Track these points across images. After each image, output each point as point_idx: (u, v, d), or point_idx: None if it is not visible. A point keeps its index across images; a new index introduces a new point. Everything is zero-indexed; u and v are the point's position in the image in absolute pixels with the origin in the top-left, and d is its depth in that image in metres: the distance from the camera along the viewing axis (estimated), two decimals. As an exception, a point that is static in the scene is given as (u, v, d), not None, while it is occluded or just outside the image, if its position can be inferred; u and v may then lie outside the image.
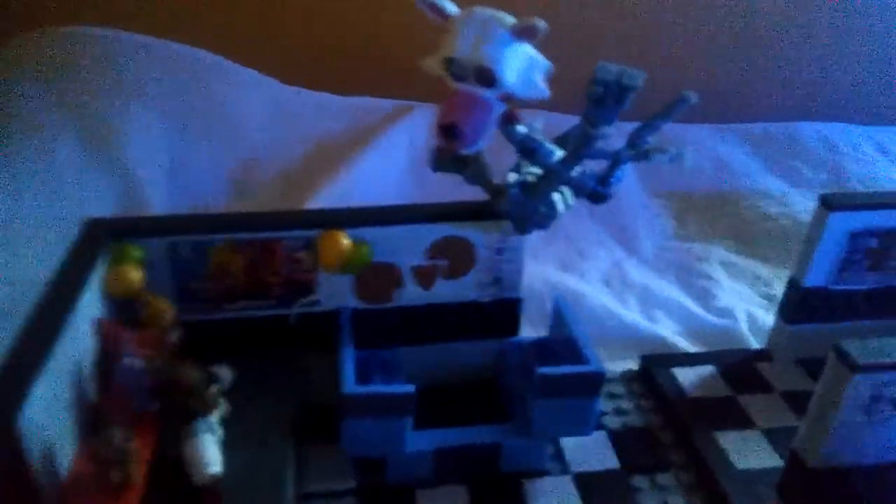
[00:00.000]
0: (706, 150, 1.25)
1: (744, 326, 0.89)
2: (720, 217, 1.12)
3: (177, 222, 0.63)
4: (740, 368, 0.78)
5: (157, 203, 0.91)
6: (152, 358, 0.53)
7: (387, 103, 1.23)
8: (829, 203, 0.71)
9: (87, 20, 1.08)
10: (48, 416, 0.45)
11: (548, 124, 0.56)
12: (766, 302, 0.94)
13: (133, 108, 0.97)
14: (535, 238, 1.01)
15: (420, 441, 0.61)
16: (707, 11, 1.37)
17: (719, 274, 0.99)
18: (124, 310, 0.58)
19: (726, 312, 0.91)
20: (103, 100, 0.95)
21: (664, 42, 1.39)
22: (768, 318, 0.88)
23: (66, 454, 0.48)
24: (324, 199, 0.99)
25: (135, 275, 0.57)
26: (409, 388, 0.57)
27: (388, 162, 1.12)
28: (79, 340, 0.51)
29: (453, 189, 0.61)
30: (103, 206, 0.86)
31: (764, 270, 1.01)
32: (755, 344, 0.86)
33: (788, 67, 1.45)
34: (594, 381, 0.60)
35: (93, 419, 0.50)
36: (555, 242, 1.04)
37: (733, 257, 1.03)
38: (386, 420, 0.58)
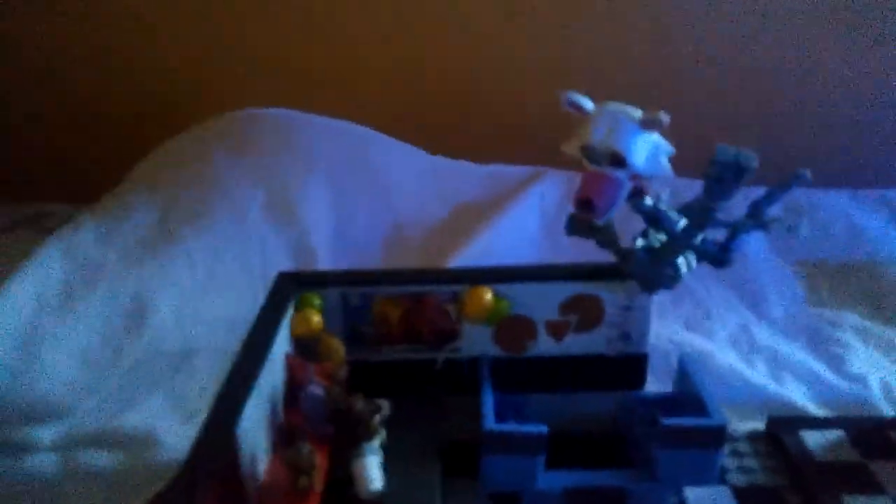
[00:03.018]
0: (841, 216, 1.24)
1: (877, 394, 0.87)
2: (854, 284, 1.11)
3: (348, 276, 0.75)
4: (871, 435, 0.78)
5: (323, 258, 1.05)
6: (330, 387, 0.64)
7: (519, 170, 1.33)
8: (964, 271, 0.72)
9: (265, 104, 1.28)
10: (254, 429, 0.56)
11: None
12: (902, 370, 0.92)
13: (305, 177, 1.13)
14: (662, 299, 1.07)
15: (551, 479, 0.67)
16: (839, 76, 1.38)
17: (852, 340, 0.98)
18: (304, 348, 0.70)
19: (859, 379, 0.90)
20: (282, 170, 1.12)
21: (800, 108, 1.41)
22: (905, 386, 0.87)
23: (263, 461, 0.59)
24: (463, 257, 1.09)
25: (316, 318, 0.69)
26: (542, 427, 0.64)
27: (522, 223, 1.21)
28: (274, 371, 0.63)
29: (580, 248, 0.68)
30: (280, 260, 1.01)
31: (901, 339, 0.99)
32: (889, 412, 0.85)
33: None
34: (717, 434, 0.64)
35: (283, 435, 0.61)
36: (682, 304, 1.07)
37: (867, 324, 1.02)
38: (520, 457, 0.65)
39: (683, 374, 0.73)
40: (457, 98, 1.42)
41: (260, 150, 1.15)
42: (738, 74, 1.39)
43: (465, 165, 1.31)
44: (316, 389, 0.62)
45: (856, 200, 1.29)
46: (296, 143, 1.18)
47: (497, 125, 1.42)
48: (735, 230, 0.58)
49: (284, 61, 1.39)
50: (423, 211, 1.18)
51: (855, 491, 0.71)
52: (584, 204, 0.56)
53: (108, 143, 1.42)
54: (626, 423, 0.76)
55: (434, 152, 1.32)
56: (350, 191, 1.16)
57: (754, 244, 1.16)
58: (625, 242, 0.65)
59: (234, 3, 1.37)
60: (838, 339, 0.99)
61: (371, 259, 1.08)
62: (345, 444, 0.64)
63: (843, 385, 0.90)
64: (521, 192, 1.25)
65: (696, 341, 0.97)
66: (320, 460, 0.60)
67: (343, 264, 1.05)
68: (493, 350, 0.74)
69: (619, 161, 0.55)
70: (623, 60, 1.39)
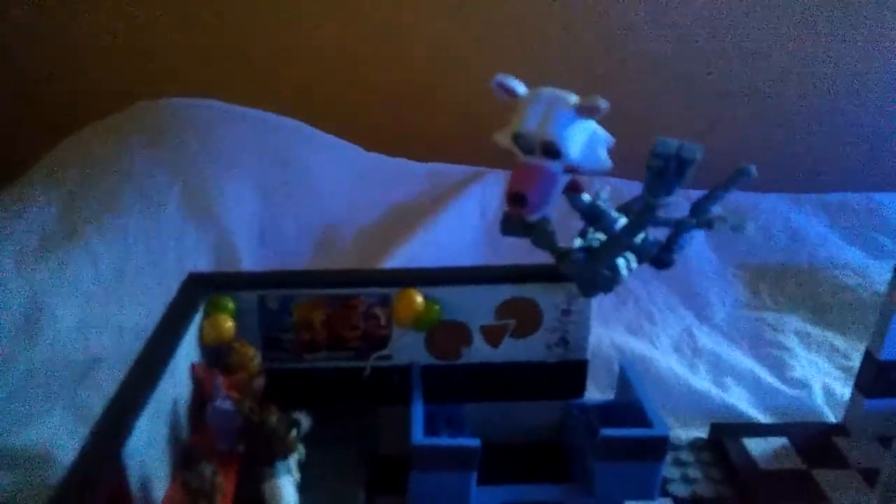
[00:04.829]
0: (781, 220, 1.24)
1: (819, 399, 0.87)
2: (795, 287, 1.10)
3: (266, 277, 0.69)
4: (815, 442, 0.77)
5: (247, 259, 0.99)
6: (240, 401, 0.57)
7: (459, 169, 1.29)
8: (904, 275, 0.71)
9: (188, 92, 1.20)
10: (148, 449, 0.50)
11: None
12: (843, 374, 0.91)
13: (228, 172, 1.06)
14: (605, 302, 1.05)
15: (484, 496, 0.63)
16: (784, 83, 1.38)
17: (794, 344, 0.98)
18: (216, 356, 0.64)
19: (801, 383, 0.89)
20: (203, 164, 1.05)
21: (742, 112, 1.41)
22: (846, 390, 0.86)
23: (162, 484, 0.52)
24: (399, 259, 1.04)
25: (228, 324, 0.63)
26: (475, 441, 0.60)
27: (461, 224, 1.17)
28: (177, 383, 0.56)
29: (523, 251, 0.64)
30: (199, 261, 0.94)
31: (841, 342, 0.98)
32: (831, 417, 0.84)
33: (869, 137, 1.43)
34: (658, 445, 0.61)
35: (186, 454, 0.55)
36: (625, 307, 1.05)
37: (809, 328, 1.01)
38: (452, 473, 0.60)
39: (624, 381, 0.69)
40: (397, 93, 1.37)
41: (179, 141, 1.08)
42: (681, 78, 1.39)
43: (403, 163, 1.26)
44: (223, 403, 0.56)
45: (796, 204, 1.29)
46: (219, 135, 1.11)
47: (440, 122, 1.37)
48: (678, 229, 0.54)
49: (218, 49, 1.32)
50: (358, 210, 1.13)
51: (799, 500, 0.69)
52: (516, 198, 0.51)
53: (11, 131, 1.31)
54: (566, 434, 0.72)
55: (371, 149, 1.27)
56: (278, 188, 1.09)
57: (696, 246, 1.15)
58: (565, 242, 0.62)
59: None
60: (780, 343, 0.98)
61: (300, 260, 1.02)
62: (258, 462, 0.58)
63: (786, 390, 0.88)
64: (461, 192, 1.21)
65: (638, 346, 0.95)
66: (225, 482, 0.54)
67: (269, 265, 0.99)
68: (426, 357, 0.70)
69: (552, 151, 0.50)
70: (575, 56, 1.36)
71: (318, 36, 1.32)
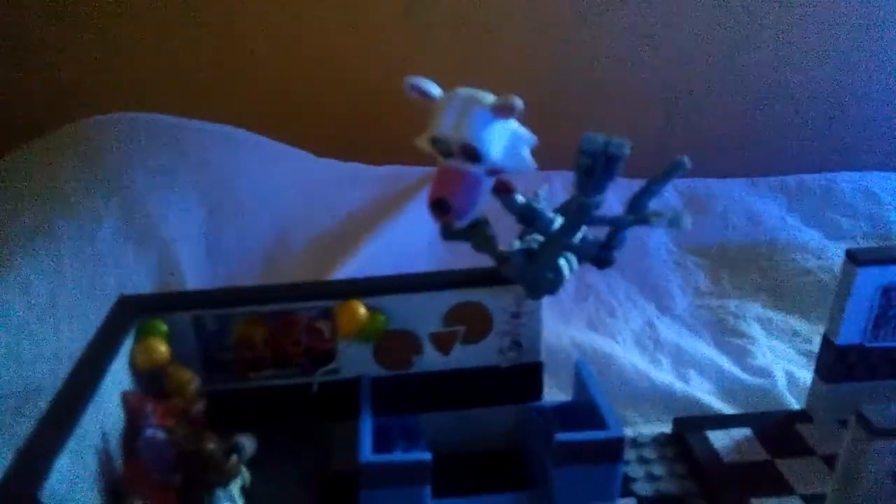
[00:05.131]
0: (740, 204, 1.24)
1: (782, 385, 0.86)
2: (755, 272, 1.10)
3: (201, 297, 0.66)
4: (778, 430, 0.75)
5: (193, 278, 0.95)
6: (174, 429, 0.55)
7: (416, 170, 1.26)
8: (856, 258, 0.70)
9: (123, 106, 1.16)
10: (72, 489, 0.47)
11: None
12: (805, 359, 0.91)
13: (169, 187, 1.03)
14: (565, 298, 1.03)
15: (439, 510, 0.61)
16: (738, 63, 1.38)
17: (755, 331, 0.97)
18: (152, 383, 0.61)
19: (763, 371, 0.88)
20: (141, 180, 1.01)
21: (696, 94, 1.40)
22: (808, 375, 0.85)
23: (89, 526, 0.49)
24: (355, 266, 1.02)
25: (161, 348, 0.60)
26: (426, 455, 0.57)
27: (419, 228, 1.14)
28: (106, 413, 0.53)
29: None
30: (141, 283, 0.91)
31: (803, 326, 0.98)
32: (795, 404, 0.83)
33: (824, 118, 1.44)
34: (614, 447, 0.59)
35: (117, 489, 0.52)
36: (586, 302, 1.03)
37: (770, 313, 1.01)
38: (404, 489, 0.58)
39: (580, 381, 0.68)
40: (349, 97, 1.34)
41: (115, 158, 1.04)
42: (638, 67, 1.38)
43: (357, 168, 1.23)
44: (154, 432, 0.53)
45: (754, 188, 1.29)
46: (157, 149, 1.07)
47: (392, 125, 1.35)
48: (616, 227, 0.53)
49: (162, 60, 1.28)
50: (310, 219, 1.10)
51: (763, 492, 0.67)
52: (439, 205, 0.49)
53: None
54: (524, 439, 0.70)
55: (324, 155, 1.24)
56: (223, 200, 1.06)
57: (655, 235, 1.14)
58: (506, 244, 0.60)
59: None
60: (742, 331, 0.97)
61: (251, 276, 0.99)
62: (197, 491, 0.55)
63: (749, 379, 0.88)
64: (418, 193, 1.19)
65: (600, 342, 0.93)
66: (161, 517, 0.51)
67: (217, 282, 0.96)
68: (376, 369, 0.67)
69: (471, 154, 0.48)
70: (524, 57, 1.35)
71: (263, 42, 1.29)
